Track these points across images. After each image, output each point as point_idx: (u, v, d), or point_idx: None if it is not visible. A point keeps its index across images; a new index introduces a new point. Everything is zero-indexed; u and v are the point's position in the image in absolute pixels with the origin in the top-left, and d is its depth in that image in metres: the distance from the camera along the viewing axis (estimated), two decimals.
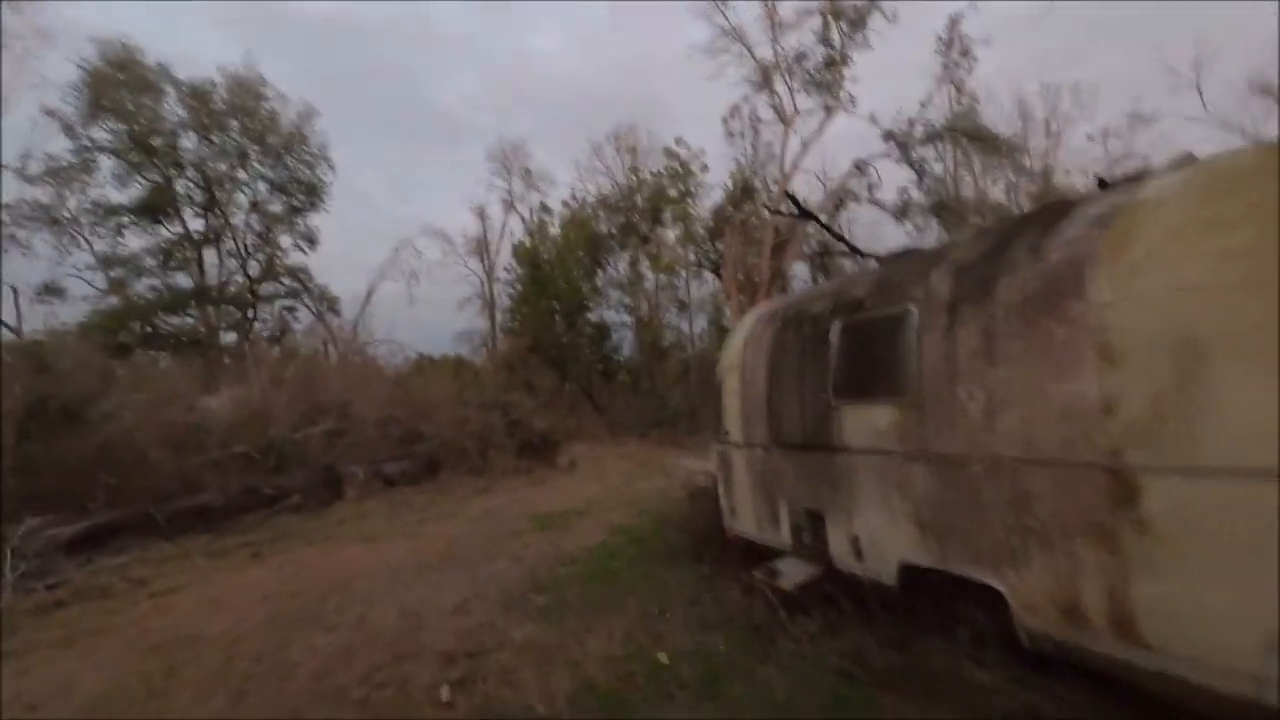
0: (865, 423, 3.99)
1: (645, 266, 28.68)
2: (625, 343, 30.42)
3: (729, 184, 19.87)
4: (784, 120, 18.77)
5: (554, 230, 28.81)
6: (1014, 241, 3.31)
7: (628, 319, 30.48)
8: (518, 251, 30.22)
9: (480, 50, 47.33)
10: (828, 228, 4.93)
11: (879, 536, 3.93)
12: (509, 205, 32.00)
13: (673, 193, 24.95)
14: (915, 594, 3.73)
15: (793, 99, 18.73)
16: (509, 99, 46.24)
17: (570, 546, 6.74)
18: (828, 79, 18.60)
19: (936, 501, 3.50)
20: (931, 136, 17.42)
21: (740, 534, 5.55)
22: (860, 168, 17.21)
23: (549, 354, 20.22)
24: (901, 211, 17.56)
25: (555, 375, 18.75)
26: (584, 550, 6.52)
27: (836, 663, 3.58)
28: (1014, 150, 16.75)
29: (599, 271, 28.87)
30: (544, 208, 30.04)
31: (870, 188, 17.22)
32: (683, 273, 29.41)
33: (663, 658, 3.83)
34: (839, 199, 17.88)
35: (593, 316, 29.48)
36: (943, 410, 3.43)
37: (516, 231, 31.10)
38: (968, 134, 16.95)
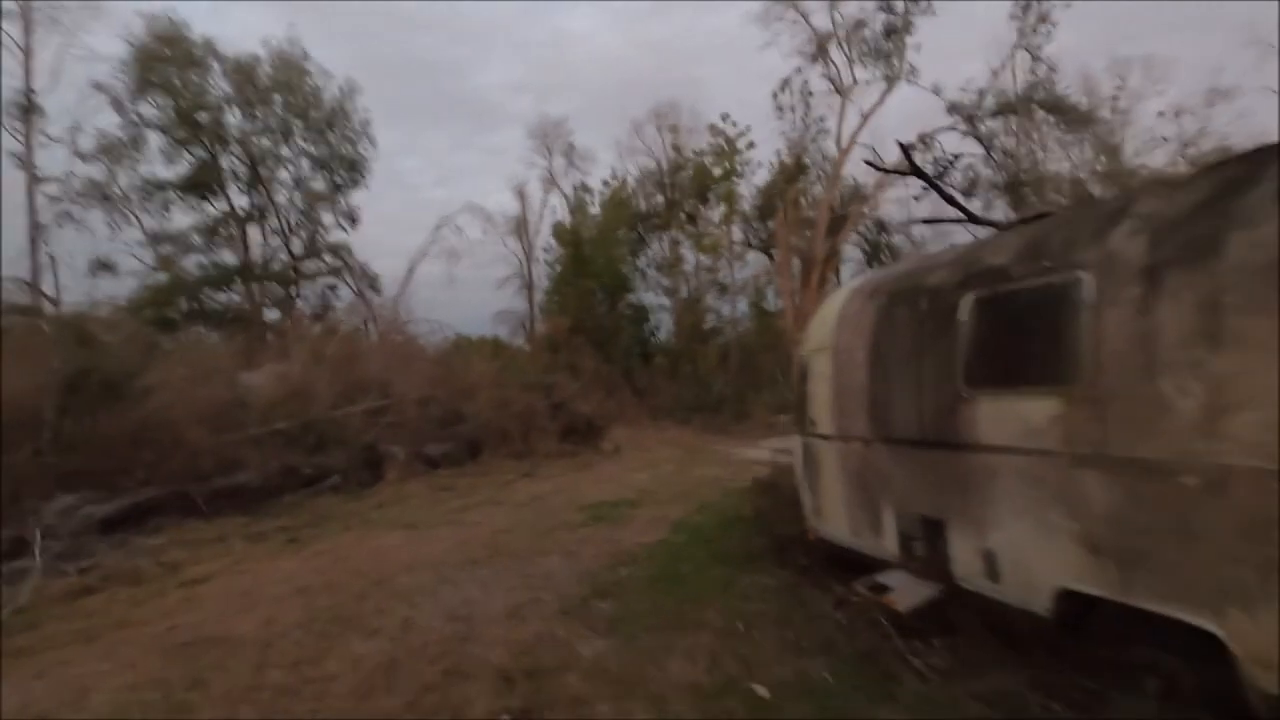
0: (1010, 417, 3.28)
1: (685, 247, 27.95)
2: (663, 326, 29.87)
3: (780, 159, 18.93)
4: (840, 92, 17.74)
5: (594, 209, 28.21)
6: (1247, 186, 2.55)
7: (667, 301, 29.87)
8: (558, 231, 29.77)
9: (517, 34, 46.73)
10: (938, 187, 4.24)
11: (1026, 555, 3.23)
12: (549, 184, 31.36)
13: (717, 171, 24.09)
14: (1077, 628, 3.04)
15: (851, 69, 17.68)
16: (547, 82, 45.60)
17: (629, 543, 6.16)
18: (888, 48, 17.49)
19: (1119, 517, 2.78)
20: (1003, 109, 16.24)
21: (828, 537, 4.88)
22: (925, 141, 16.14)
23: (590, 335, 19.68)
24: (969, 188, 16.48)
25: (597, 357, 18.19)
26: (645, 549, 5.94)
27: (981, 712, 2.92)
28: (1093, 123, 15.45)
29: (641, 252, 28.25)
30: (584, 187, 29.43)
31: (937, 162, 16.15)
32: (725, 254, 28.58)
33: (761, 691, 3.21)
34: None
35: (632, 298, 28.95)
36: (1135, 405, 2.70)
37: (557, 211, 30.54)
38: (1045, 105, 15.72)
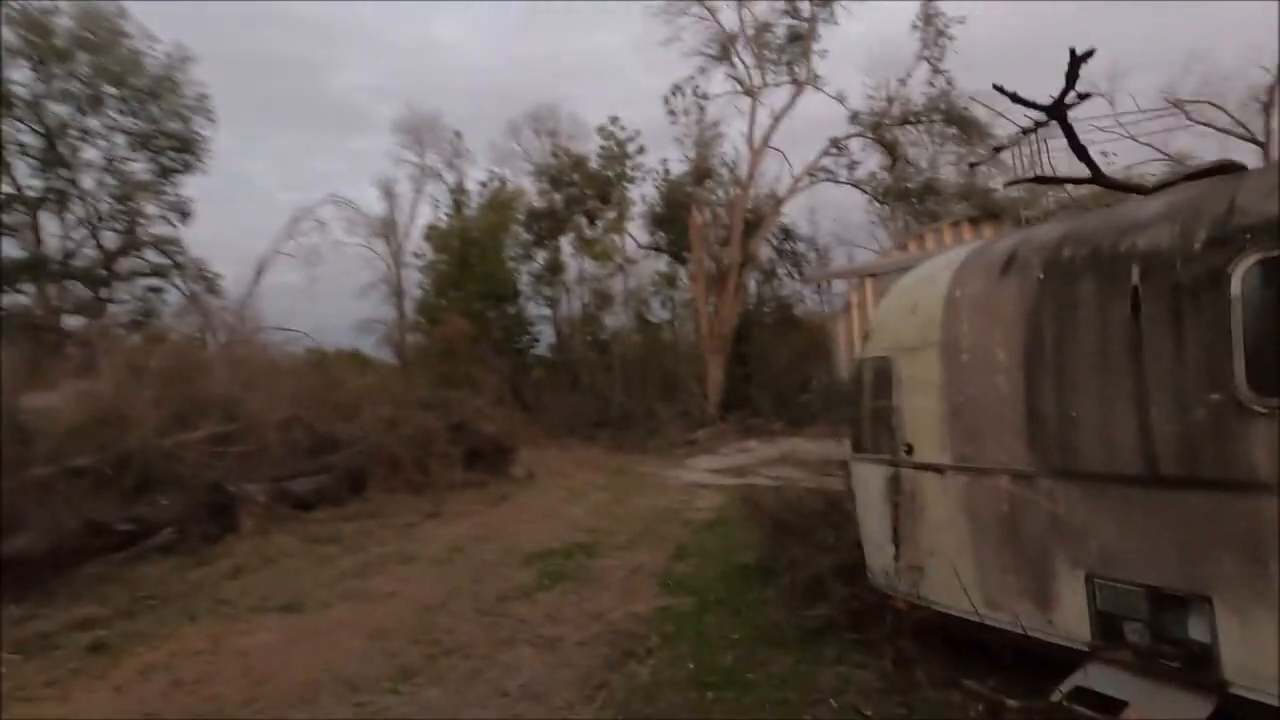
0: None
1: (573, 255, 26.47)
2: (544, 336, 28.15)
3: (691, 159, 17.98)
4: (750, 92, 17.12)
5: (470, 211, 25.91)
6: None
7: (548, 311, 28.19)
8: (432, 234, 27.13)
9: (381, 38, 43.16)
10: (1071, 133, 3.31)
11: None
12: (421, 182, 28.61)
13: (609, 174, 22.84)
14: None
15: (761, 72, 17.13)
16: (412, 88, 42.52)
17: (618, 616, 4.53)
18: (793, 53, 17.15)
19: None
20: (908, 118, 16.30)
21: (931, 605, 3.55)
22: (838, 146, 15.84)
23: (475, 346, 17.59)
24: (883, 194, 16.44)
25: (486, 370, 16.14)
26: (647, 624, 4.33)
27: None
28: (986, 134, 15.85)
29: (527, 259, 26.40)
30: (460, 188, 27.06)
31: (851, 166, 15.93)
32: (617, 261, 27.39)
33: None
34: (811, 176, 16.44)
35: (510, 307, 27.00)
36: None
37: (431, 212, 27.87)
38: (946, 116, 15.94)
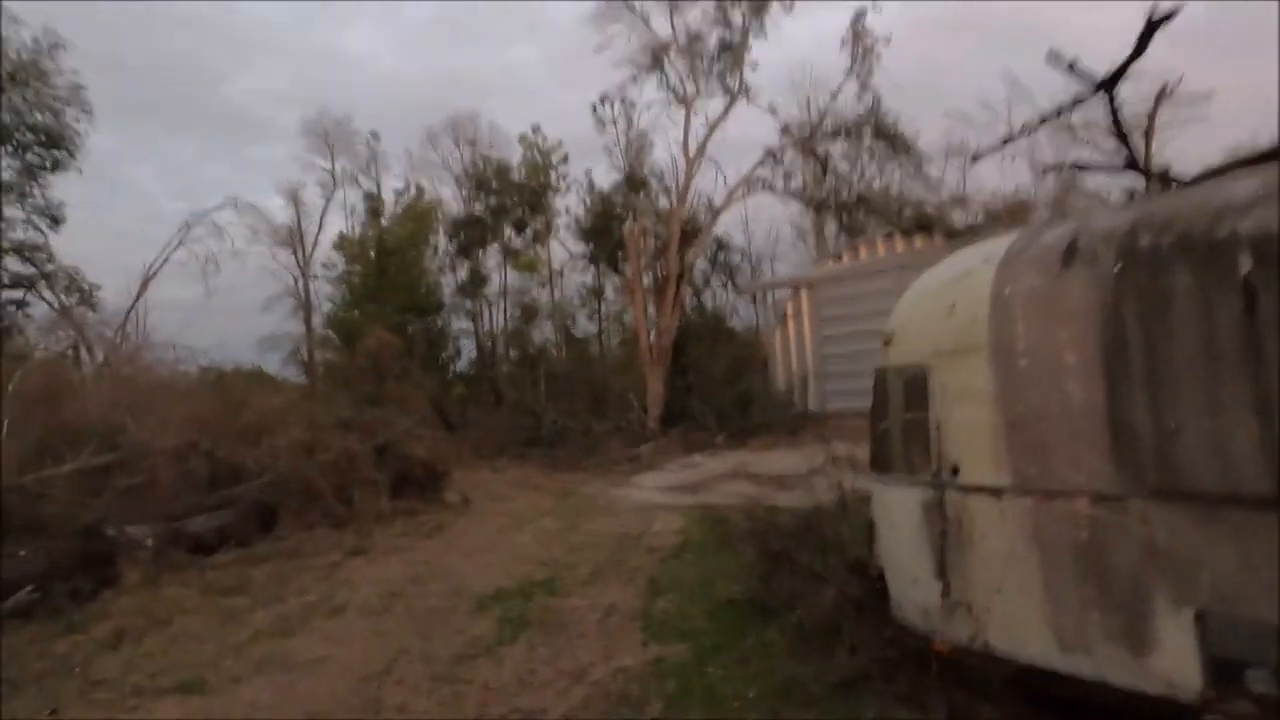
0: None
1: (494, 266, 25.53)
2: (465, 350, 27.06)
3: (625, 168, 17.51)
4: (684, 101, 16.87)
5: (386, 221, 24.47)
6: None
7: (469, 325, 27.09)
8: (344, 243, 25.48)
9: (285, 44, 40.77)
10: (1116, 113, 3.04)
11: None
12: (331, 189, 26.89)
13: (532, 185, 22.11)
14: None
15: (695, 81, 16.91)
16: (319, 98, 40.39)
17: (603, 674, 3.84)
18: (726, 64, 17.05)
19: None
20: (838, 131, 16.48)
21: (989, 650, 3.08)
22: (775, 156, 15.78)
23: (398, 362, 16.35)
24: (817, 205, 16.51)
25: (413, 386, 14.99)
26: (644, 684, 3.67)
27: None
28: (913, 150, 16.23)
29: (449, 271, 25.24)
30: (374, 196, 25.57)
31: (787, 177, 15.89)
32: (545, 272, 26.60)
33: None
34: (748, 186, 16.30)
35: (423, 321, 25.78)
36: None
37: (338, 223, 26.17)
38: (877, 131, 16.20)
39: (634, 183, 16.85)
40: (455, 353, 27.46)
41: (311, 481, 8.88)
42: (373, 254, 21.32)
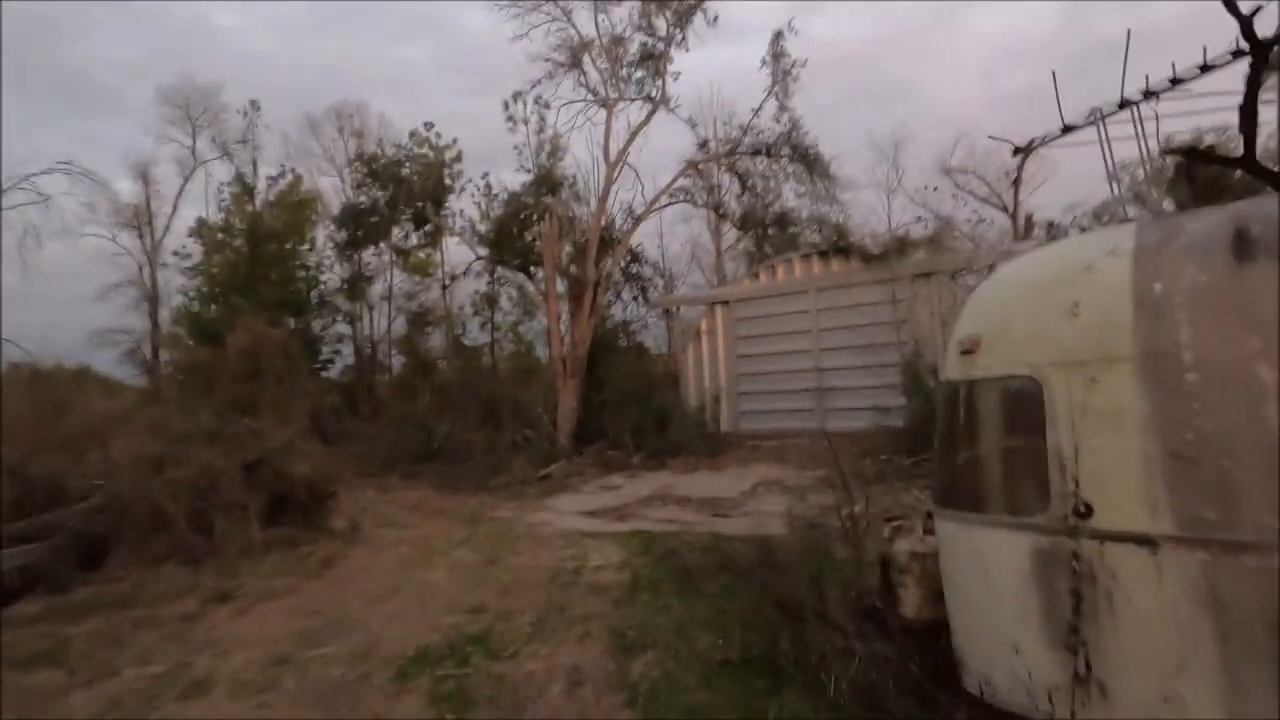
0: None
1: (378, 268, 23.57)
2: (342, 356, 24.86)
3: (539, 166, 16.45)
4: (604, 104, 16.19)
5: (251, 208, 21.87)
6: None
7: (347, 328, 24.89)
8: (204, 230, 22.51)
9: (143, 12, 36.25)
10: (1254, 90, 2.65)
11: None
12: (190, 168, 23.91)
13: (430, 180, 20.54)
14: None
15: (616, 85, 16.28)
16: (177, 71, 36.18)
17: None
18: (648, 71, 16.59)
19: None
20: (758, 150, 16.41)
21: None
22: (697, 168, 15.36)
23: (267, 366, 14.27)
24: (738, 221, 16.25)
25: (293, 393, 13.05)
26: None
27: None
28: (829, 174, 16.44)
29: (329, 268, 22.95)
30: (242, 180, 22.87)
31: (711, 190, 15.49)
32: (439, 275, 24.87)
33: None
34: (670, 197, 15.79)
35: (317, 320, 23.41)
36: None
37: (198, 207, 23.17)
38: (794, 152, 16.27)
39: (549, 183, 15.85)
40: (332, 358, 25.05)
41: (158, 505, 7.14)
42: (242, 241, 18.77)
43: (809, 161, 16.38)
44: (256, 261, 17.83)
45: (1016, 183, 26.43)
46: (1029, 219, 25.22)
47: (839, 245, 14.87)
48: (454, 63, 37.37)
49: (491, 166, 18.92)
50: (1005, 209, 26.17)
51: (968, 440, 2.92)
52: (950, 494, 3.05)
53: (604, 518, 9.10)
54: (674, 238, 25.82)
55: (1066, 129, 4.45)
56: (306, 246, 23.30)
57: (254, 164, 21.23)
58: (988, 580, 2.84)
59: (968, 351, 2.96)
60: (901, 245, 13.90)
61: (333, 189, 25.38)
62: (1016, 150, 4.64)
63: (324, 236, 22.30)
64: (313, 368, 22.47)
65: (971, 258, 13.60)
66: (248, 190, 20.84)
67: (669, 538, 7.48)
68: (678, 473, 11.99)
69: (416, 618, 5.20)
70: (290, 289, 19.52)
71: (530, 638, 4.68)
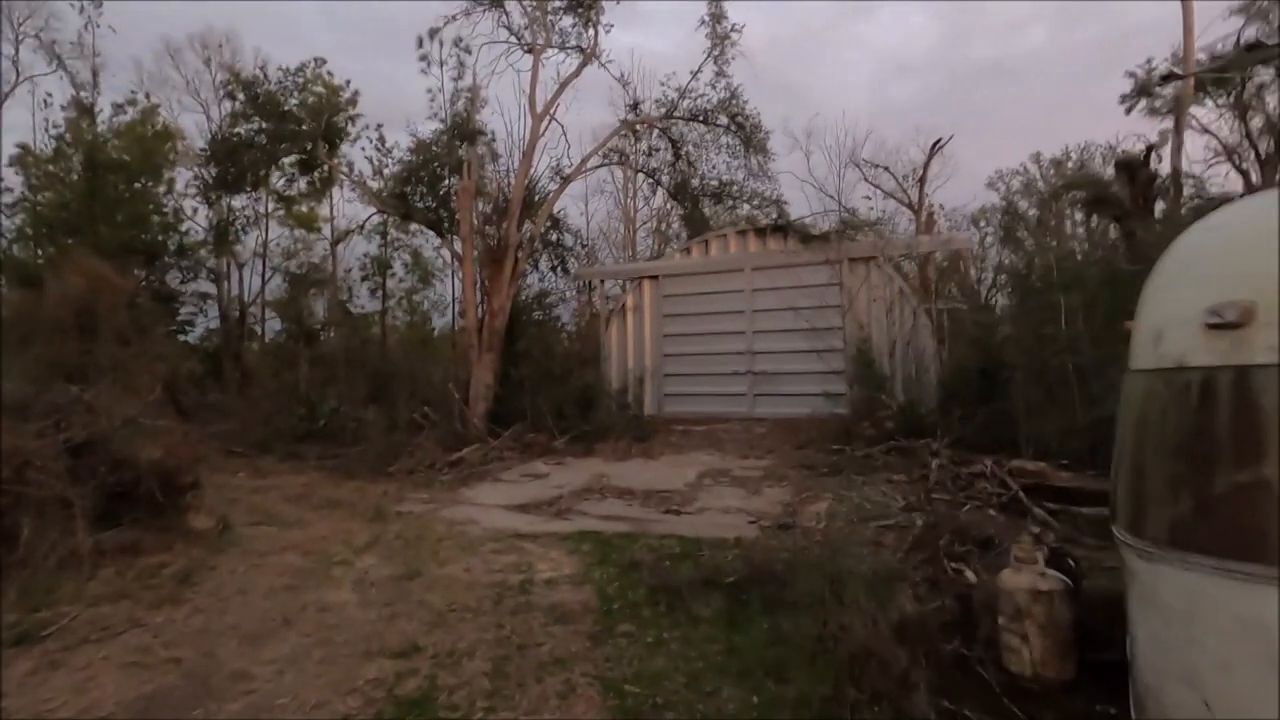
0: None
1: (252, 218, 20.72)
2: (205, 318, 21.96)
3: (458, 113, 14.56)
4: (530, 49, 14.58)
5: (91, 136, 18.41)
6: None
7: (211, 286, 21.94)
8: (28, 159, 18.74)
9: None
10: None
11: None
12: (14, 81, 19.95)
13: (319, 121, 18.04)
14: None
15: (545, 31, 14.69)
16: None
17: None
18: (578, 20, 15.14)
19: None
20: (695, 115, 15.43)
21: None
22: (635, 130, 14.12)
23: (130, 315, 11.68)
24: (673, 190, 15.17)
25: (144, 356, 10.65)
26: None
27: None
28: (764, 146, 15.74)
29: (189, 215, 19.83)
30: (81, 103, 19.23)
31: (651, 152, 14.30)
32: (326, 232, 22.26)
33: None
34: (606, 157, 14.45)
35: (171, 273, 20.30)
36: None
37: (20, 131, 19.30)
38: (730, 120, 15.42)
39: (466, 133, 14.05)
40: (190, 319, 21.85)
41: None
42: (79, 175, 15.53)
43: (746, 134, 15.57)
44: (95, 197, 14.73)
45: (922, 180, 27.21)
46: (930, 215, 25.98)
47: (778, 223, 14.18)
48: (345, 18, 33.62)
49: (387, 131, 16.72)
50: (910, 204, 26.90)
51: (1234, 456, 1.99)
52: (1182, 530, 2.12)
53: (538, 513, 7.83)
54: (603, 206, 24.43)
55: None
56: (163, 188, 20.03)
57: (94, 77, 17.59)
58: (1211, 646, 1.94)
59: (1233, 325, 2.01)
60: (844, 227, 13.40)
61: (196, 127, 22.02)
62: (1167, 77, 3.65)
63: (186, 181, 19.16)
64: (169, 329, 19.42)
65: (911, 244, 13.32)
66: (86, 112, 17.30)
67: (626, 541, 6.38)
68: (609, 460, 10.87)
69: (321, 667, 3.79)
70: (140, 234, 16.44)
71: (491, 696, 3.43)
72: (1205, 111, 17.59)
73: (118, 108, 19.96)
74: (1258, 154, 18.91)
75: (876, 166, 28.24)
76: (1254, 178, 18.50)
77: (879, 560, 5.21)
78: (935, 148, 26.36)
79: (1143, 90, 20.81)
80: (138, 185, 18.31)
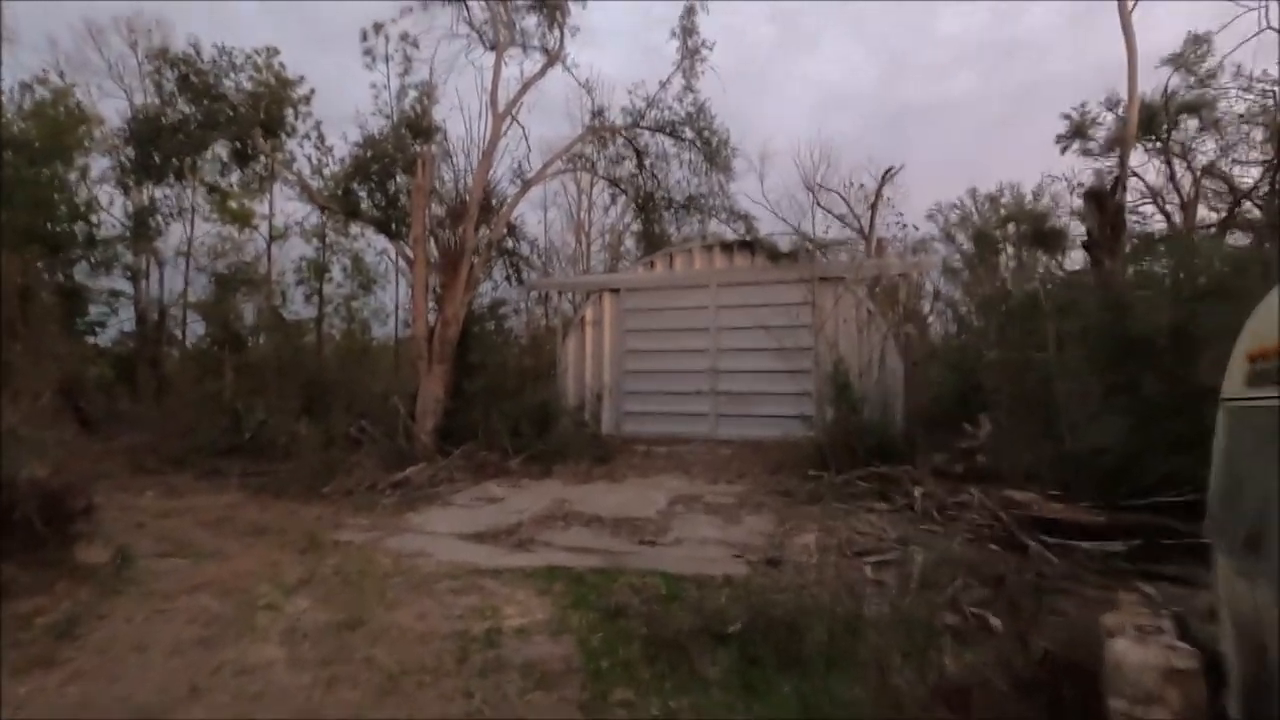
0: None
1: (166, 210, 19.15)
2: (118, 320, 20.22)
3: (412, 107, 13.63)
4: (494, 46, 13.89)
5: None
6: None
7: (128, 285, 20.20)
8: None
9: None
10: None
11: None
12: None
13: (260, 108, 16.80)
14: None
15: (509, 30, 14.02)
16: None
17: None
18: (542, 20, 14.56)
19: None
20: (661, 126, 15.01)
21: None
22: (601, 135, 13.53)
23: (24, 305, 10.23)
24: (639, 201, 14.61)
25: (34, 355, 9.28)
26: None
27: None
28: (728, 164, 15.42)
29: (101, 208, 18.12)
30: None
31: (620, 159, 13.72)
32: (260, 229, 20.82)
33: None
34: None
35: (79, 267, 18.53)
36: None
37: None
38: (698, 135, 15.06)
39: (420, 129, 13.16)
40: (101, 320, 19.96)
41: None
42: None
43: (712, 149, 15.21)
44: None
45: (874, 205, 27.64)
46: (880, 242, 26.34)
47: (745, 240, 13.81)
48: (284, 12, 31.98)
49: (324, 131, 15.63)
50: (860, 230, 27.28)
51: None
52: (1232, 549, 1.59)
53: (496, 544, 7.00)
54: (536, 220, 23.69)
55: None
56: (74, 175, 18.25)
57: None
58: None
59: None
60: (814, 246, 13.12)
61: (118, 114, 20.27)
62: None
63: (103, 170, 17.50)
64: (72, 327, 17.57)
65: (882, 265, 13.14)
66: None
67: (602, 579, 5.65)
68: (569, 482, 10.09)
69: None
70: (43, 220, 14.78)
71: None
72: (1135, 155, 18.36)
73: (25, 87, 18.18)
74: (1180, 197, 19.93)
75: (830, 191, 28.64)
76: (1175, 219, 19.48)
77: (897, 604, 4.65)
78: (887, 175, 26.86)
79: (1078, 131, 21.75)
80: (44, 169, 16.57)
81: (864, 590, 5.52)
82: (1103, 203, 10.74)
